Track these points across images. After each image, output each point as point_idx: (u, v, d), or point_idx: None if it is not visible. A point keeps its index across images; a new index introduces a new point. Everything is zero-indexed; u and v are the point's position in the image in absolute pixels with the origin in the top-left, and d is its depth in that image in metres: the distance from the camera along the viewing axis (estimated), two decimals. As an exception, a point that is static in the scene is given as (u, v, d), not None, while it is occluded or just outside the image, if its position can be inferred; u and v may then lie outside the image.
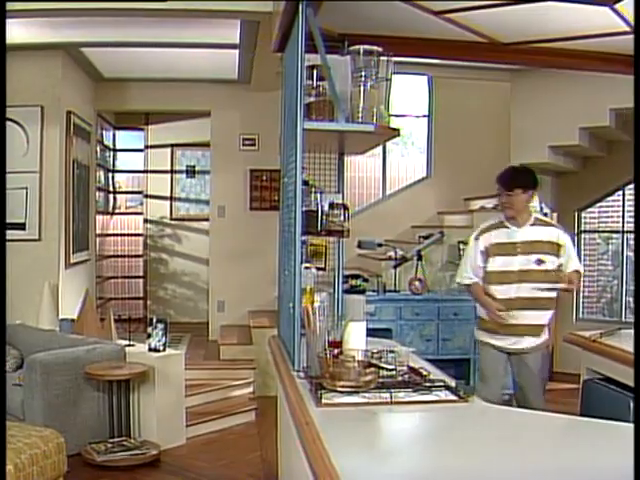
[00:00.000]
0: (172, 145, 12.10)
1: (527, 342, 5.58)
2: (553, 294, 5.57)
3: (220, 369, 8.31)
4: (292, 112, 4.10)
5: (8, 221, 8.17)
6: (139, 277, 12.03)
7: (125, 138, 12.52)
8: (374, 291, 8.14)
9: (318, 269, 4.54)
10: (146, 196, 12.23)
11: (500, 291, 5.53)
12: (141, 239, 12.13)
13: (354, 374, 3.36)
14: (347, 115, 3.96)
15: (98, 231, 10.75)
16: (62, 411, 6.20)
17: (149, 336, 6.79)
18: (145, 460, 6.21)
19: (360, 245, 8.02)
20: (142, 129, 12.19)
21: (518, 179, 5.64)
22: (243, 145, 10.06)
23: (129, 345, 6.93)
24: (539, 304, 5.53)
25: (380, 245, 8.25)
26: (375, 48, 3.97)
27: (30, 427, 5.27)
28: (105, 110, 10.83)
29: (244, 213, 10.10)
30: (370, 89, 3.98)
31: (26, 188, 8.24)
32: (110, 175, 11.97)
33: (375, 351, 3.80)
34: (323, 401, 3.21)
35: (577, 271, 5.58)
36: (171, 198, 12.20)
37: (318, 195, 4.28)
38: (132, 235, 12.20)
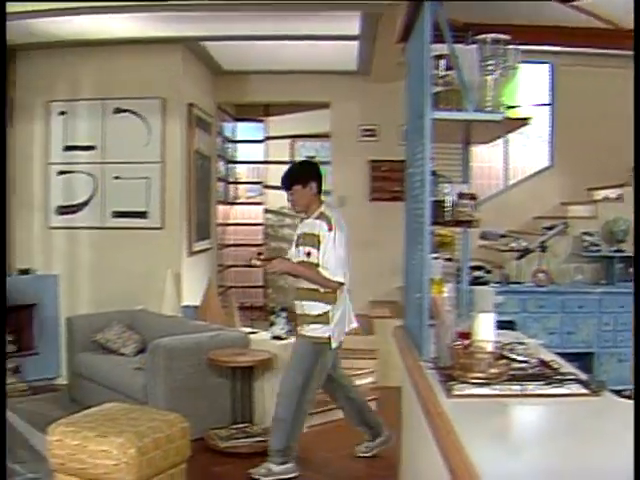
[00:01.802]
0: (292, 136, 12.18)
1: (301, 330, 5.79)
2: (313, 285, 5.66)
3: (341, 358, 8.31)
4: (418, 102, 4.07)
5: (129, 210, 8.41)
6: (259, 266, 12.10)
7: (245, 130, 12.66)
8: (497, 283, 8.03)
9: (446, 260, 4.51)
10: (266, 186, 12.35)
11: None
12: (261, 229, 12.24)
13: (485, 366, 3.32)
14: (475, 104, 3.93)
15: (219, 221, 10.90)
16: (185, 396, 6.30)
17: (272, 324, 6.86)
18: (266, 448, 6.23)
19: (483, 236, 7.92)
20: (262, 121, 12.32)
21: (292, 177, 5.82)
22: (363, 136, 10.06)
23: (252, 332, 7.01)
24: (302, 295, 5.77)
25: (503, 236, 8.14)
26: (502, 37, 3.92)
27: (154, 411, 5.34)
28: (225, 102, 10.97)
29: (365, 204, 10.11)
30: (498, 78, 3.94)
31: (148, 178, 8.44)
32: (230, 166, 12.13)
33: (505, 343, 3.76)
34: (454, 392, 3.19)
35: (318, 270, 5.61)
36: (290, 188, 12.25)
37: (447, 185, 4.25)
38: (252, 225, 12.31)
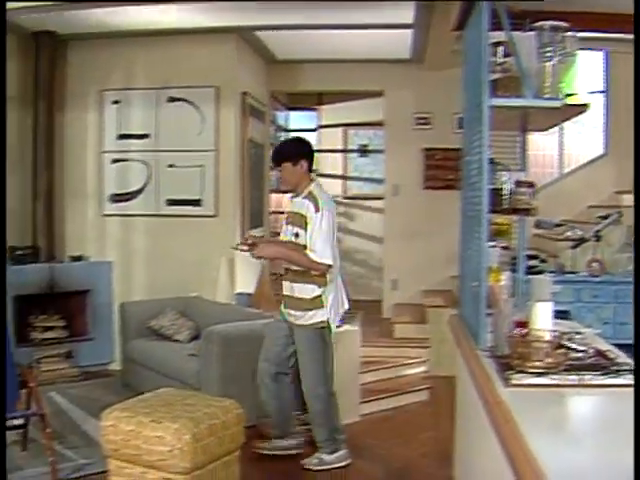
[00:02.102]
0: (345, 125, 12.16)
1: (292, 316, 5.72)
2: (301, 268, 5.57)
3: (394, 347, 8.33)
4: (476, 89, 4.06)
5: (183, 197, 8.47)
6: (312, 254, 12.13)
7: (298, 118, 12.66)
8: (552, 272, 7.95)
9: (502, 248, 4.48)
10: (319, 175, 12.33)
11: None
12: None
13: (543, 355, 3.30)
14: (534, 91, 3.90)
15: (272, 209, 10.93)
16: (237, 383, 6.29)
17: (323, 312, 6.82)
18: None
19: (538, 225, 7.86)
20: (315, 109, 12.31)
21: (282, 153, 5.74)
22: (417, 124, 10.02)
23: (305, 321, 7.00)
24: (292, 276, 5.69)
25: (558, 225, 8.07)
26: (561, 24, 3.90)
27: (209, 397, 5.32)
28: (278, 91, 10.98)
29: (418, 192, 10.06)
30: (556, 65, 3.91)
31: (202, 166, 8.48)
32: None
33: (563, 332, 3.73)
34: (512, 382, 3.17)
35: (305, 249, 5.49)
36: (344, 177, 12.27)
37: (504, 173, 4.22)
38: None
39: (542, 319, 3.54)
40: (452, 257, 9.17)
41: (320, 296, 5.56)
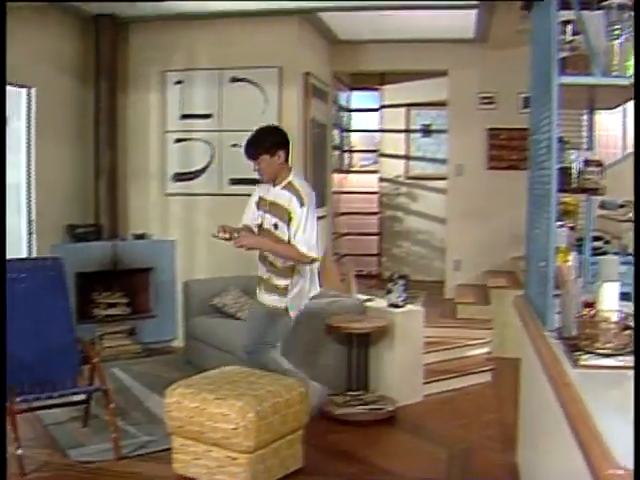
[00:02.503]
0: (407, 105, 12.08)
1: (263, 298, 5.66)
2: (280, 261, 5.49)
3: (456, 327, 8.29)
4: (545, 68, 4.02)
5: (246, 177, 8.47)
6: (374, 234, 12.16)
7: (359, 98, 12.63)
8: (615, 253, 7.84)
9: (570, 228, 4.43)
10: (381, 155, 12.33)
11: None
12: (376, 197, 12.23)
13: (611, 336, 3.26)
14: (603, 69, 3.86)
15: (334, 189, 10.92)
16: (303, 361, 6.23)
17: (389, 292, 6.80)
18: (382, 416, 6.25)
19: (602, 205, 7.74)
20: (377, 89, 12.26)
21: (259, 145, 5.51)
22: (481, 104, 9.92)
23: (368, 300, 7.00)
24: (268, 264, 5.57)
25: (622, 206, 7.95)
26: (628, 2, 3.86)
27: (273, 375, 5.33)
28: (341, 71, 10.94)
29: (482, 172, 9.97)
30: (624, 43, 3.86)
31: (265, 146, 8.47)
32: (345, 134, 12.14)
33: (629, 313, 3.68)
34: (580, 363, 3.13)
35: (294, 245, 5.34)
36: (406, 157, 12.21)
37: (573, 152, 4.17)
38: (367, 193, 12.29)
39: (610, 300, 3.49)
40: (515, 238, 9.17)
41: (287, 286, 5.50)
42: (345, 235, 11.91)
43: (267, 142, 5.49)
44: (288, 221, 5.35)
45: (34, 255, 7.80)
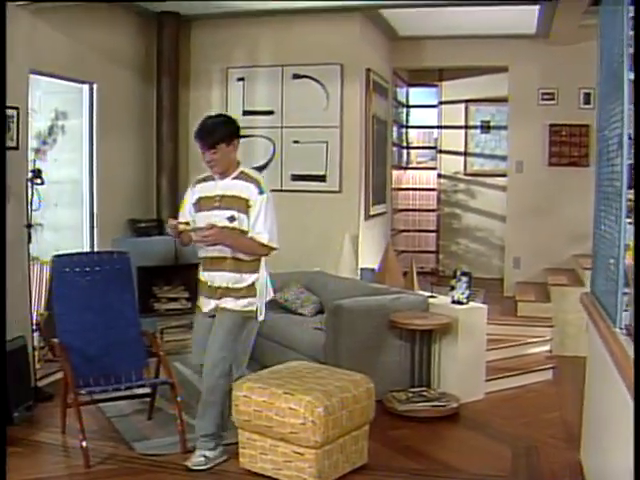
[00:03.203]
0: (466, 100, 12.05)
1: (228, 305, 5.17)
2: (241, 256, 5.11)
3: (517, 325, 8.25)
4: (614, 63, 4.00)
5: (307, 173, 8.54)
6: (431, 231, 12.14)
7: (417, 94, 12.61)
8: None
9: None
10: (440, 151, 12.30)
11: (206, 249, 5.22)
12: (434, 194, 12.20)
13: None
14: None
15: (392, 185, 10.93)
16: (365, 357, 6.32)
17: (452, 288, 6.80)
18: (445, 413, 6.24)
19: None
20: (435, 85, 12.24)
21: (216, 134, 5.11)
22: (542, 100, 9.85)
23: (431, 297, 7.00)
24: (227, 266, 5.14)
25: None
26: None
27: (340, 371, 5.34)
28: (400, 68, 10.96)
29: (542, 169, 9.88)
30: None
31: (326, 142, 8.54)
32: (403, 131, 12.14)
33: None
34: (653, 361, 3.12)
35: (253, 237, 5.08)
36: (465, 153, 12.17)
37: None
38: (425, 190, 12.28)
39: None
40: (575, 236, 9.14)
41: (254, 283, 5.19)
42: (403, 232, 11.91)
43: (224, 131, 5.17)
44: (246, 210, 5.08)
45: (96, 249, 7.91)
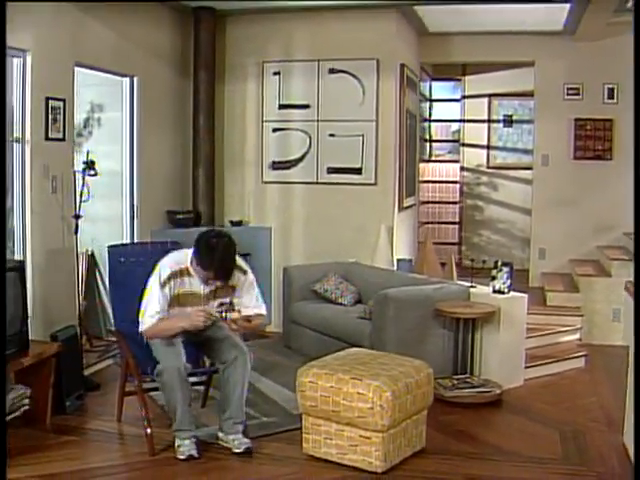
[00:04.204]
0: (489, 95, 12.21)
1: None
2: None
3: (547, 315, 8.43)
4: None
5: (343, 166, 8.72)
6: (454, 223, 12.34)
7: (439, 89, 12.78)
8: None
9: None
10: (463, 145, 12.47)
11: None
12: (457, 186, 12.40)
13: None
14: None
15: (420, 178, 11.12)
16: (410, 345, 6.47)
17: (493, 278, 6.97)
18: (489, 399, 6.44)
19: None
20: (459, 79, 12.40)
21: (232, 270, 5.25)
22: (567, 94, 10.01)
23: (471, 287, 7.17)
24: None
25: None
26: None
27: (399, 357, 5.50)
28: (427, 62, 11.14)
29: (567, 162, 10.04)
30: None
31: (362, 136, 8.71)
32: (426, 124, 12.31)
33: None
34: None
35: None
36: (488, 147, 12.34)
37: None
38: (448, 182, 12.47)
39: None
40: (600, 227, 9.38)
41: None
42: (426, 224, 12.10)
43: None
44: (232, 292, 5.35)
45: (136, 240, 8.10)
